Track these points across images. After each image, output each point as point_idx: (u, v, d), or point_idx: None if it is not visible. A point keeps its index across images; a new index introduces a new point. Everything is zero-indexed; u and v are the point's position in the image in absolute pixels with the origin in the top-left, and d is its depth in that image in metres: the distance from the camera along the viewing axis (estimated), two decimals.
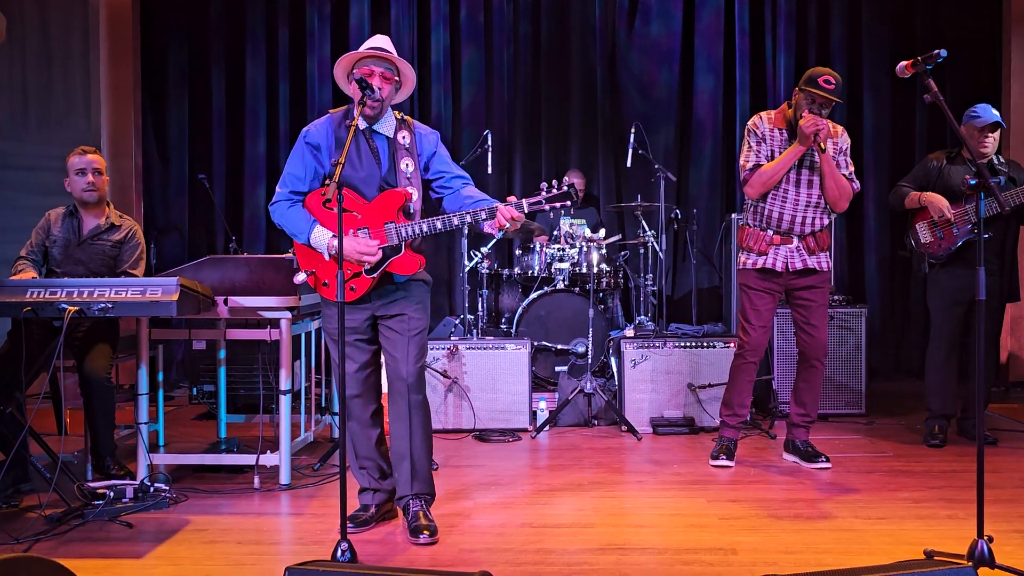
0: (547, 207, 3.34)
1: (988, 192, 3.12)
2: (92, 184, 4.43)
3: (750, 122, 4.57)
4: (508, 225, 3.31)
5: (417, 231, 3.39)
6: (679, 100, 7.57)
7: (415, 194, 3.49)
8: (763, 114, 4.59)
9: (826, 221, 4.54)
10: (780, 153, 4.43)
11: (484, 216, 3.34)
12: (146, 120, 7.38)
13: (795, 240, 4.47)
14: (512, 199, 3.35)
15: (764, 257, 4.49)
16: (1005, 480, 4.31)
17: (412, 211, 3.49)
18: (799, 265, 4.47)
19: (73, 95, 6.71)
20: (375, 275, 3.43)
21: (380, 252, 3.38)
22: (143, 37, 7.30)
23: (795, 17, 7.48)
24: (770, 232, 4.48)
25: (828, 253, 4.56)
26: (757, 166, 4.44)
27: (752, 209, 4.55)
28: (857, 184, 4.52)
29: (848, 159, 4.51)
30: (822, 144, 4.31)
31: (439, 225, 3.38)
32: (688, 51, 7.58)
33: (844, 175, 4.45)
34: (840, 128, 4.53)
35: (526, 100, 7.62)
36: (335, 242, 3.38)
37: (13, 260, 4.40)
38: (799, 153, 4.37)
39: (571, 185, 3.34)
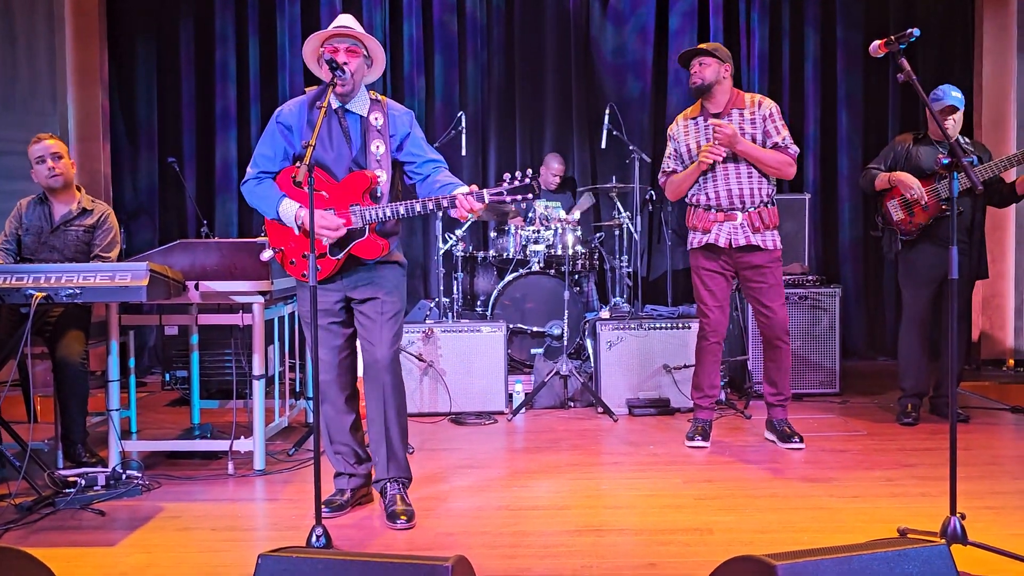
0: (508, 199, 3.29)
1: (961, 171, 3.13)
2: (53, 169, 4.34)
3: (670, 127, 4.70)
4: (471, 217, 3.30)
5: (381, 215, 3.36)
6: (653, 80, 7.55)
7: (383, 176, 3.45)
8: (679, 116, 4.70)
9: (768, 191, 4.51)
10: (699, 141, 4.51)
11: (445, 204, 3.30)
12: (114, 102, 7.26)
13: (739, 216, 4.49)
14: (474, 188, 3.31)
15: (707, 235, 4.52)
16: (976, 457, 4.35)
17: (380, 194, 3.46)
18: (742, 241, 4.48)
19: (39, 77, 6.58)
20: (339, 257, 3.41)
21: (343, 230, 3.35)
22: (109, 17, 7.16)
23: None
24: (713, 211, 4.51)
25: (775, 232, 4.55)
26: (672, 172, 4.65)
27: (693, 193, 4.59)
28: (794, 148, 4.48)
29: (777, 125, 4.48)
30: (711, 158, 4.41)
31: (402, 210, 3.34)
32: (662, 30, 7.55)
33: (777, 143, 4.45)
34: (759, 97, 4.54)
35: (500, 81, 7.57)
36: (302, 212, 3.38)
37: None
38: (698, 171, 4.49)
39: (534, 176, 3.29)
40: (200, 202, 7.28)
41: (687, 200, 4.65)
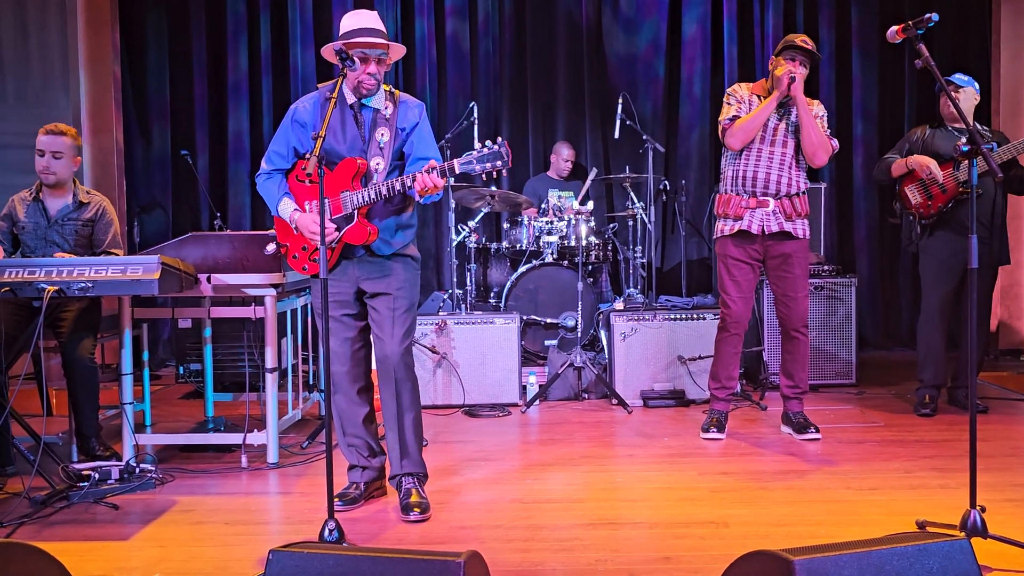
0: (478, 167, 3.28)
1: (980, 156, 3.08)
2: (47, 168, 4.30)
3: (729, 88, 4.63)
4: (427, 192, 3.27)
5: (365, 198, 3.36)
6: (666, 69, 7.49)
7: (380, 164, 3.43)
8: (742, 84, 4.65)
9: (803, 184, 4.52)
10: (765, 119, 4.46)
11: (409, 183, 3.30)
12: (126, 95, 7.25)
13: (771, 203, 4.44)
14: (433, 164, 3.28)
15: (740, 221, 4.47)
16: (996, 449, 4.31)
17: (374, 180, 3.43)
18: (775, 228, 4.44)
19: (51, 70, 6.58)
20: (334, 246, 3.43)
21: (334, 230, 3.37)
22: (120, 8, 7.16)
23: None
24: (746, 196, 4.46)
25: (806, 221, 4.53)
26: (736, 118, 4.46)
27: (729, 175, 4.53)
28: (835, 142, 4.51)
29: (825, 125, 4.51)
30: (794, 75, 4.33)
31: (384, 191, 3.34)
32: (675, 20, 7.48)
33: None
34: (815, 101, 4.54)
35: (512, 71, 7.52)
36: (296, 215, 3.47)
37: None
38: (776, 100, 4.38)
39: (501, 144, 3.28)
40: (213, 194, 7.28)
41: (718, 189, 4.61)
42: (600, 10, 7.50)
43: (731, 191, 4.51)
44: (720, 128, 4.52)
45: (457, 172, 3.27)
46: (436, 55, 7.46)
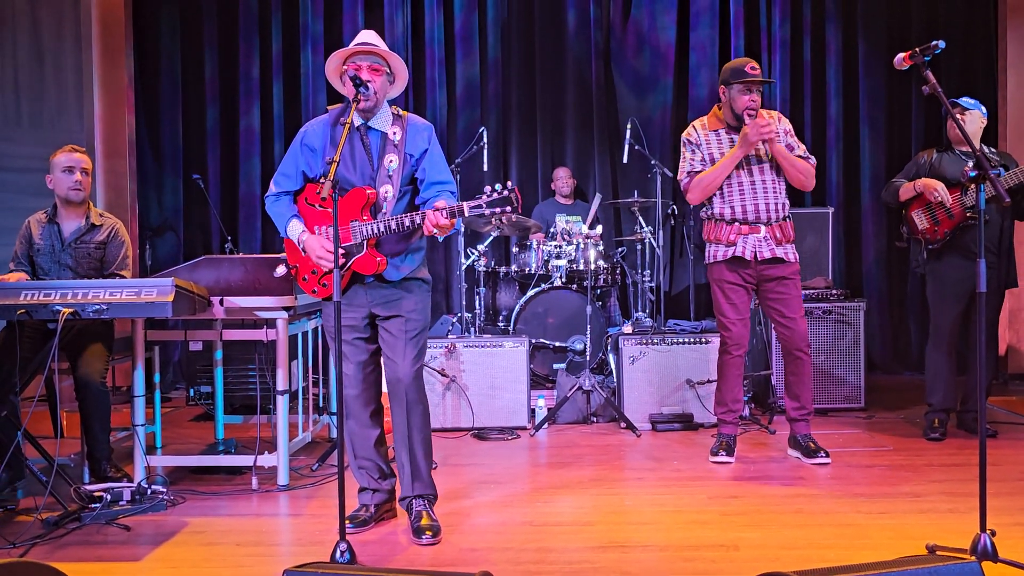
0: (487, 212, 3.30)
1: (987, 181, 3.09)
2: (79, 183, 4.36)
3: (684, 133, 4.65)
4: (436, 231, 3.30)
5: (375, 230, 3.39)
6: (675, 94, 7.54)
7: (389, 191, 3.46)
8: (695, 123, 4.68)
9: (787, 207, 4.57)
10: (723, 152, 4.49)
11: (418, 220, 3.33)
12: (139, 119, 7.33)
13: (763, 229, 4.48)
14: (440, 204, 3.31)
15: (732, 247, 4.50)
16: (1005, 473, 4.29)
17: (384, 209, 3.46)
18: (767, 254, 4.48)
19: (66, 95, 6.67)
20: (343, 272, 3.44)
21: (342, 255, 3.39)
22: (135, 35, 7.26)
23: (790, 12, 7.44)
24: (737, 223, 4.49)
25: (793, 246, 4.57)
26: (694, 172, 4.52)
27: (715, 204, 4.55)
28: (813, 159, 4.56)
29: (796, 140, 4.56)
30: (766, 137, 4.38)
31: (393, 225, 3.37)
32: (683, 44, 7.54)
33: (799, 155, 4.52)
34: (775, 113, 4.56)
35: (520, 96, 7.58)
36: (304, 236, 3.49)
37: (5, 263, 4.36)
38: (739, 158, 4.44)
39: (512, 189, 3.30)
40: (224, 215, 7.34)
41: (705, 215, 4.63)
42: (609, 34, 7.55)
43: (721, 218, 4.54)
44: (681, 184, 4.57)
45: (467, 215, 3.30)
46: (446, 79, 7.52)
